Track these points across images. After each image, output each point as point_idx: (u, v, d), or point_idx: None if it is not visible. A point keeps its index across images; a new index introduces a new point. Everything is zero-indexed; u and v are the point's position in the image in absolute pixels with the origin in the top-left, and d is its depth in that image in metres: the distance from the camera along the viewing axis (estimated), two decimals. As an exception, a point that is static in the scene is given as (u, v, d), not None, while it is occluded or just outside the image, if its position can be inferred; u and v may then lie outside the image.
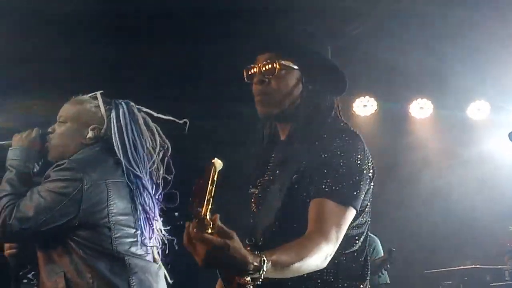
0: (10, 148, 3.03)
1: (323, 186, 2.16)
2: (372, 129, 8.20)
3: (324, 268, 2.12)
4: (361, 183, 2.21)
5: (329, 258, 2.08)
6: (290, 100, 2.36)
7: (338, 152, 2.21)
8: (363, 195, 2.24)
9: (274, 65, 2.34)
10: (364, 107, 8.27)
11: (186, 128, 3.17)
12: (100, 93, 3.14)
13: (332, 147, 2.22)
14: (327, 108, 2.39)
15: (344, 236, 2.16)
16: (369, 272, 2.33)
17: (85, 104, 3.10)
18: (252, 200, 2.48)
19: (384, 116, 8.40)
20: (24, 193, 2.85)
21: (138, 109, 3.14)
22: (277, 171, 2.38)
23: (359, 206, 2.22)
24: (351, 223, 2.21)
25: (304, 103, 2.36)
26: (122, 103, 3.11)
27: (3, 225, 2.77)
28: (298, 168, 2.26)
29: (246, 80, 2.43)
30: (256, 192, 2.45)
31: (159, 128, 3.17)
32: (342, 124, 2.39)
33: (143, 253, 2.97)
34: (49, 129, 3.10)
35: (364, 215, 2.33)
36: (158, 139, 3.13)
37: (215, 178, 1.70)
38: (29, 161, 3.00)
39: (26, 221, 2.76)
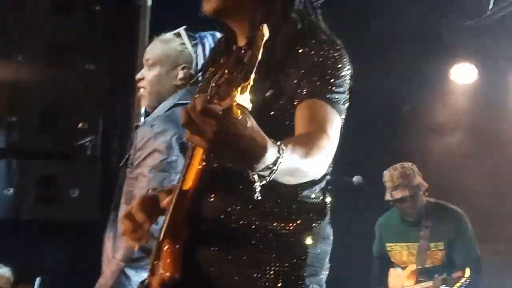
0: None
1: (318, 88, 1.77)
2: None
3: None
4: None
5: (327, 164, 1.71)
6: None
7: (332, 59, 1.80)
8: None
9: None
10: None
11: None
12: (184, 29, 2.98)
13: (324, 52, 1.81)
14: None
15: None
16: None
17: (171, 43, 2.96)
18: None
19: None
20: None
21: None
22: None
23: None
24: None
25: None
26: (207, 35, 2.94)
27: None
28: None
29: None
30: None
31: None
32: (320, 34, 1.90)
33: None
34: (138, 76, 2.97)
35: None
36: None
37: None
38: None
39: None
